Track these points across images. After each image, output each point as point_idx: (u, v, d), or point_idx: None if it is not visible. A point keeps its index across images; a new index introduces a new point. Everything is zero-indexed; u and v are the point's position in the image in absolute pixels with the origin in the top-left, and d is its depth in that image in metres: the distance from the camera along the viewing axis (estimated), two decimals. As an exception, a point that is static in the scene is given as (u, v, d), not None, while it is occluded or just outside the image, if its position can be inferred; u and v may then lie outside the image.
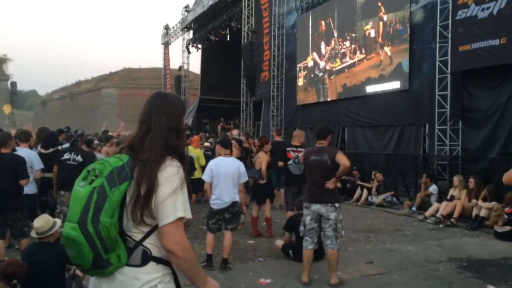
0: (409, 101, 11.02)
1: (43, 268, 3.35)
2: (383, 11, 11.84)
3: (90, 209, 1.62)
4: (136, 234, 1.70)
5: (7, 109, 24.73)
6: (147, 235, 1.71)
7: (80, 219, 1.62)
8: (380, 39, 11.95)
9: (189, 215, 1.73)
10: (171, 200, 1.67)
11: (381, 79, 11.92)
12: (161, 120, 1.78)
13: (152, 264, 1.71)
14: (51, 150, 6.84)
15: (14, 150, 5.50)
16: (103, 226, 1.61)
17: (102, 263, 1.64)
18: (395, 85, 11.44)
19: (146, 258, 1.70)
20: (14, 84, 25.61)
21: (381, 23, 11.90)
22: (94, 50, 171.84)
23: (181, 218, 1.68)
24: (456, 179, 8.44)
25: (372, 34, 12.24)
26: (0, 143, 5.14)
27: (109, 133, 13.65)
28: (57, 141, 7.34)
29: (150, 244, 1.71)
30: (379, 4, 11.98)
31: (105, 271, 1.66)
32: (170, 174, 1.69)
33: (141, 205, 1.65)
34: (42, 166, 5.96)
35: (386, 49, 11.70)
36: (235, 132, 18.90)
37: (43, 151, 6.85)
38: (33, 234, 3.98)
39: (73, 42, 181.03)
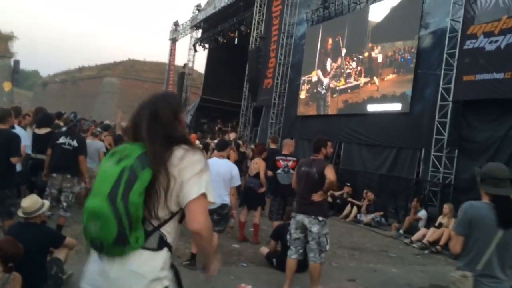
0: (408, 124, 11.07)
1: (27, 248, 3.32)
2: (394, 37, 11.84)
3: (121, 185, 1.65)
4: (155, 220, 1.74)
5: (7, 86, 24.61)
6: (165, 222, 1.76)
7: (110, 193, 1.65)
8: (386, 66, 11.95)
9: (212, 199, 1.78)
10: (196, 179, 1.74)
11: (383, 99, 11.97)
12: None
13: (166, 250, 1.77)
14: (45, 131, 6.77)
15: (13, 127, 5.47)
16: (132, 204, 1.65)
17: (125, 241, 1.66)
18: (396, 106, 11.50)
19: (162, 243, 1.75)
20: (17, 62, 25.47)
21: (390, 49, 11.92)
22: (100, 37, 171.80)
23: (204, 196, 1.74)
24: (446, 207, 8.46)
25: (379, 59, 12.24)
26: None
27: (107, 122, 13.63)
28: (52, 123, 7.28)
29: (167, 231, 1.77)
30: (391, 29, 12.00)
31: (124, 250, 1.68)
32: (190, 161, 1.77)
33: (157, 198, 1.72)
34: (28, 143, 5.88)
35: (390, 76, 11.73)
36: (232, 135, 18.93)
37: (37, 131, 6.80)
38: (19, 213, 3.95)
39: (80, 27, 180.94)
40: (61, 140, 6.08)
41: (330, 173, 4.78)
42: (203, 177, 1.77)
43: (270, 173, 7.14)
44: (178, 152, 1.78)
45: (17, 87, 28.83)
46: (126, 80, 40.21)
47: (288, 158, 6.96)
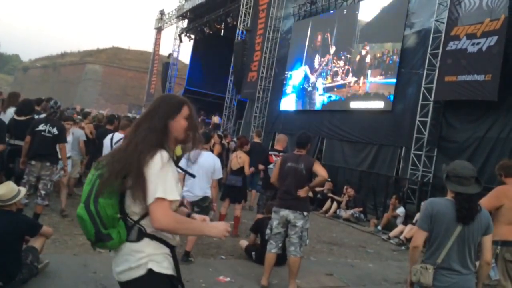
0: (389, 122, 11.20)
1: (1, 235, 3.26)
2: (383, 38, 11.88)
3: (93, 192, 1.95)
4: (135, 215, 1.99)
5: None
6: (143, 217, 1.98)
7: (86, 199, 1.97)
8: (374, 67, 12.01)
9: (171, 196, 1.93)
10: (152, 184, 1.91)
11: (366, 96, 12.07)
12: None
13: (146, 240, 1.99)
14: (24, 118, 6.64)
15: None
16: (101, 206, 1.93)
17: (102, 237, 1.94)
18: (378, 104, 11.62)
19: (141, 234, 1.98)
20: (-4, 45, 24.89)
21: (378, 50, 11.96)
22: (84, 23, 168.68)
23: (161, 199, 1.90)
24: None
25: (368, 60, 12.27)
26: None
27: (87, 110, 13.43)
28: (33, 110, 7.14)
29: (145, 224, 1.98)
30: (380, 30, 12.05)
31: (107, 245, 1.96)
32: (152, 164, 1.94)
33: (132, 194, 1.94)
34: None
35: (378, 78, 11.82)
36: (215, 119, 18.83)
37: (16, 117, 6.65)
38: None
39: (63, 11, 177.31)
40: (41, 127, 5.97)
41: (321, 170, 4.81)
42: (159, 180, 1.92)
43: (261, 167, 7.14)
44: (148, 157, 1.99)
45: (-4, 71, 28.14)
46: (109, 68, 39.68)
47: (281, 154, 6.97)
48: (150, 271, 1.95)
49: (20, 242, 3.87)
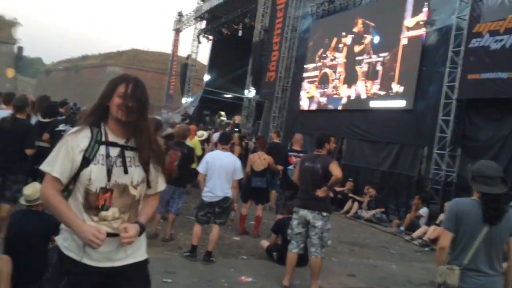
0: (411, 121, 11.04)
1: (29, 235, 3.33)
2: (403, 33, 11.69)
3: None
4: None
5: (10, 73, 24.59)
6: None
7: None
8: (392, 61, 11.86)
9: (48, 170, 2.02)
10: None
11: (386, 96, 11.92)
12: None
13: None
14: (49, 120, 6.77)
15: (29, 117, 5.49)
16: None
17: None
18: (399, 103, 11.46)
19: None
20: (20, 49, 25.46)
21: (399, 46, 11.79)
22: (105, 26, 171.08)
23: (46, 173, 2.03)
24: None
25: (387, 58, 12.06)
26: (17, 108, 5.18)
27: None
28: (57, 112, 7.28)
29: None
30: (402, 25, 11.83)
31: None
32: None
33: None
34: None
35: (396, 74, 11.65)
36: (237, 118, 18.85)
37: (41, 119, 6.79)
38: (22, 201, 3.95)
39: (84, 15, 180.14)
40: (60, 127, 6.08)
41: (336, 170, 4.78)
42: (53, 151, 2.05)
43: (280, 167, 7.12)
44: None
45: (20, 74, 28.82)
46: (129, 70, 40.11)
47: (300, 154, 6.95)
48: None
49: (46, 241, 3.94)
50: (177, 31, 30.86)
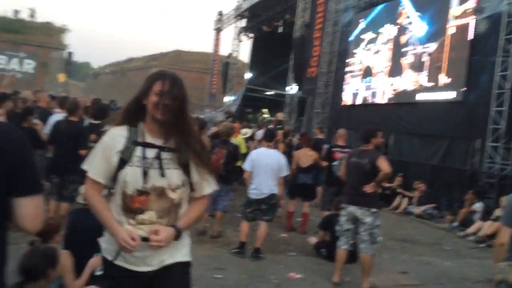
0: (461, 113, 10.58)
1: (88, 232, 3.44)
2: (450, 22, 11.24)
3: None
4: None
5: (61, 78, 25.75)
6: None
7: None
8: (441, 54, 11.41)
9: (86, 169, 2.03)
10: None
11: (434, 88, 11.51)
12: None
13: None
14: (99, 121, 7.01)
15: (82, 119, 5.73)
16: None
17: None
18: (448, 95, 11.02)
19: None
20: (70, 54, 26.64)
21: (446, 35, 11.34)
22: (148, 29, 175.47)
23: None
24: (504, 200, 8.06)
25: (433, 48, 11.62)
26: (70, 111, 5.43)
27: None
28: (107, 113, 7.53)
29: None
30: (448, 13, 11.39)
31: None
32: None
33: None
34: None
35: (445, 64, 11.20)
36: (280, 116, 18.80)
37: (93, 121, 7.04)
38: (79, 199, 4.11)
39: (128, 19, 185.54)
40: (106, 127, 6.27)
41: (384, 165, 4.67)
42: (92, 152, 2.07)
43: (325, 163, 7.04)
44: None
45: (70, 78, 30.08)
46: (172, 70, 40.89)
47: (345, 149, 6.85)
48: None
49: (102, 238, 4.08)
50: (218, 30, 31.15)
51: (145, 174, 1.92)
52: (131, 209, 1.96)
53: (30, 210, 1.46)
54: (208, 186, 2.12)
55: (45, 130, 6.23)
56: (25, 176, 1.45)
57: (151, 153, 1.96)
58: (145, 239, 1.90)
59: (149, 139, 1.97)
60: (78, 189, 5.03)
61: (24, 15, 33.22)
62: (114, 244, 1.94)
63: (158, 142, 1.98)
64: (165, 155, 1.97)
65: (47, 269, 2.89)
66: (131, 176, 1.93)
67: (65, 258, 3.28)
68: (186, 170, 2.00)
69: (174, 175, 1.98)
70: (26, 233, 1.66)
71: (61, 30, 34.00)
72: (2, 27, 31.47)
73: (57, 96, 10.89)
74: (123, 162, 1.93)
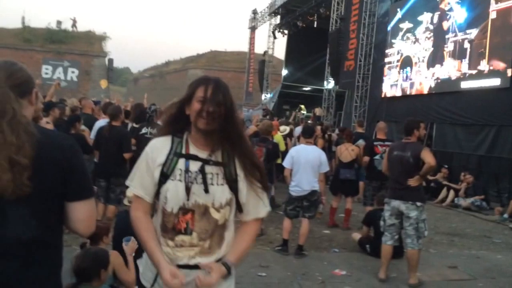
0: (508, 100, 10.13)
1: (133, 233, 3.56)
2: (492, 6, 10.74)
3: None
4: None
5: (103, 84, 26.59)
6: None
7: None
8: (484, 40, 10.96)
9: (129, 184, 1.87)
10: None
11: (477, 75, 11.07)
12: None
13: None
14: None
15: (125, 124, 5.91)
16: None
17: None
18: (493, 82, 10.58)
19: None
20: (111, 61, 27.41)
21: (488, 20, 10.89)
22: (184, 31, 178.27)
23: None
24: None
25: (478, 39, 11.14)
26: (112, 116, 5.64)
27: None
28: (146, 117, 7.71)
29: None
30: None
31: None
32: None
33: None
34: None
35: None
36: (318, 111, 18.64)
37: (134, 125, 7.24)
38: (126, 202, 4.25)
39: (164, 23, 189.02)
40: (143, 130, 6.43)
41: (428, 157, 4.56)
42: (134, 166, 1.88)
43: (366, 158, 6.93)
44: None
45: (112, 84, 30.99)
46: (209, 71, 41.35)
47: (386, 143, 6.72)
48: None
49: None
50: (253, 29, 31.25)
51: (187, 189, 1.72)
52: (170, 229, 1.76)
53: (83, 213, 1.54)
54: (263, 207, 1.88)
55: (91, 135, 6.49)
56: (78, 181, 1.52)
57: (194, 166, 1.75)
58: (185, 266, 1.74)
59: (193, 150, 1.77)
60: (125, 191, 5.21)
61: (67, 25, 34.54)
62: (152, 270, 1.79)
63: (203, 154, 1.77)
64: (209, 169, 1.76)
65: (100, 270, 3.00)
66: (172, 191, 1.74)
67: (115, 258, 3.41)
68: (233, 187, 1.78)
69: (219, 192, 1.76)
70: (78, 236, 1.74)
71: (102, 38, 35.09)
72: (47, 38, 32.87)
73: (100, 102, 11.27)
74: (165, 176, 1.75)
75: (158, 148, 1.80)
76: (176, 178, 1.75)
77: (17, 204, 1.39)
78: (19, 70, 1.57)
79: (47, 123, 5.28)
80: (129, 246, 3.38)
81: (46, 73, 30.67)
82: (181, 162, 1.76)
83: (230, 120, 1.74)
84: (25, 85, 1.56)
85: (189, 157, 1.76)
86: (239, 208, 1.84)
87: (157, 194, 1.79)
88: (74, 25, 34.86)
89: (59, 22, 34.48)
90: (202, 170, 1.75)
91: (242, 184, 1.79)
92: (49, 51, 32.33)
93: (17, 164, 1.37)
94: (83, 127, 6.55)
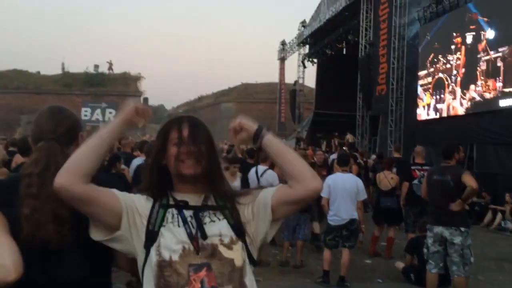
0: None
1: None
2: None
3: None
4: None
5: (140, 122, 27.35)
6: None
7: None
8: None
9: None
10: None
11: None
12: None
13: None
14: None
15: None
16: None
17: None
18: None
19: None
20: (146, 99, 28.40)
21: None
22: (215, 66, 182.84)
23: None
24: None
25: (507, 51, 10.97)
26: (148, 154, 5.80)
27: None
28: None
29: None
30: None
31: None
32: None
33: None
34: None
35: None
36: (350, 138, 18.51)
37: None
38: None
39: (195, 60, 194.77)
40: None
41: (470, 181, 4.45)
42: None
43: (405, 184, 6.80)
44: None
45: (148, 122, 31.92)
46: (241, 104, 42.01)
47: (424, 167, 6.60)
48: None
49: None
50: (282, 59, 31.70)
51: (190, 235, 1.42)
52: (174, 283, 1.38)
53: None
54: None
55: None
56: None
57: (187, 213, 1.47)
58: None
59: (181, 197, 1.49)
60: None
61: (103, 69, 36.23)
62: None
63: (194, 200, 1.49)
64: (205, 214, 1.48)
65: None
66: (168, 237, 1.43)
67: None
68: (239, 230, 1.48)
69: (224, 227, 1.47)
70: (124, 273, 1.80)
71: (137, 78, 36.51)
72: (85, 81, 34.60)
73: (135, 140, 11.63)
74: (152, 233, 1.43)
75: (139, 200, 1.51)
76: (169, 222, 1.45)
77: (70, 248, 1.48)
78: (66, 118, 1.68)
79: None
80: None
81: (85, 115, 32.00)
82: (170, 211, 1.47)
83: (213, 159, 1.50)
84: (72, 131, 1.67)
85: (179, 206, 1.47)
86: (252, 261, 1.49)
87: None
88: (110, 67, 36.52)
89: (96, 66, 36.23)
90: (196, 217, 1.46)
91: (250, 227, 1.49)
92: (87, 94, 33.90)
93: (58, 217, 1.46)
94: (123, 166, 6.77)
